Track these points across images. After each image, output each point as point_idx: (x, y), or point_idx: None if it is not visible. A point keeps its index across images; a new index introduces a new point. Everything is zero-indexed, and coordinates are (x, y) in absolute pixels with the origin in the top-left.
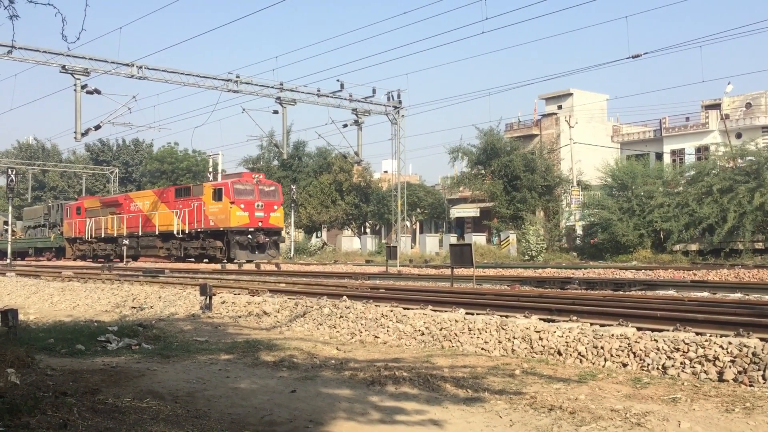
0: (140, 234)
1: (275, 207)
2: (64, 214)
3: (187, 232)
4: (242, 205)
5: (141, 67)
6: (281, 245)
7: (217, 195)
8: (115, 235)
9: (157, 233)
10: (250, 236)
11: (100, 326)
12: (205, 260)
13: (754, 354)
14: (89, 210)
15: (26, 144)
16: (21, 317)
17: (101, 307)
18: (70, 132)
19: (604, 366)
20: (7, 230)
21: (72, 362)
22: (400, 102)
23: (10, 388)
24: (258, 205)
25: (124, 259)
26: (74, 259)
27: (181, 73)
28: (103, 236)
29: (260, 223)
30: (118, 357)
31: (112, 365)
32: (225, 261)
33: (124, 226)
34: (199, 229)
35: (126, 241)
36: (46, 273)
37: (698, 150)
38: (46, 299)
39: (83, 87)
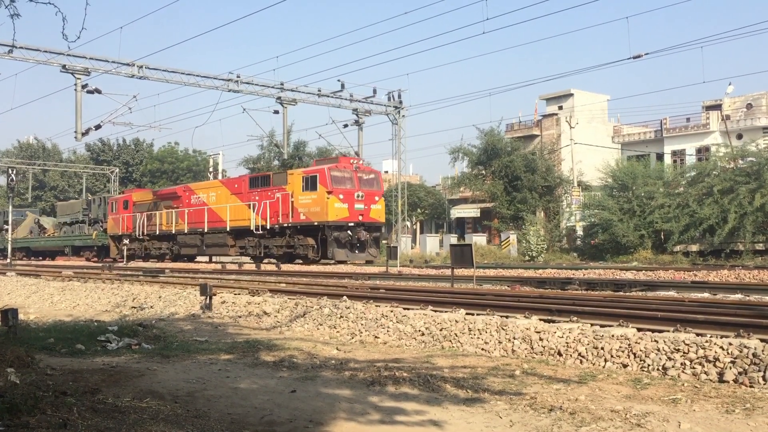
0: (206, 230)
1: (376, 198)
2: (108, 209)
3: (268, 227)
4: (341, 196)
5: (141, 67)
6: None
7: (310, 183)
8: (174, 232)
9: (228, 229)
10: (350, 232)
11: (100, 326)
12: (297, 261)
13: (754, 355)
14: (139, 204)
15: (27, 143)
16: (21, 317)
17: (101, 306)
18: (70, 131)
19: (604, 367)
20: (39, 228)
21: (72, 362)
22: (400, 102)
23: (9, 387)
24: (358, 196)
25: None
26: (120, 259)
27: (182, 73)
28: (157, 233)
29: (360, 217)
30: (118, 357)
31: (112, 365)
32: (318, 260)
33: (184, 221)
34: (285, 224)
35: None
36: (46, 272)
37: (699, 151)
38: (47, 299)
39: (84, 86)
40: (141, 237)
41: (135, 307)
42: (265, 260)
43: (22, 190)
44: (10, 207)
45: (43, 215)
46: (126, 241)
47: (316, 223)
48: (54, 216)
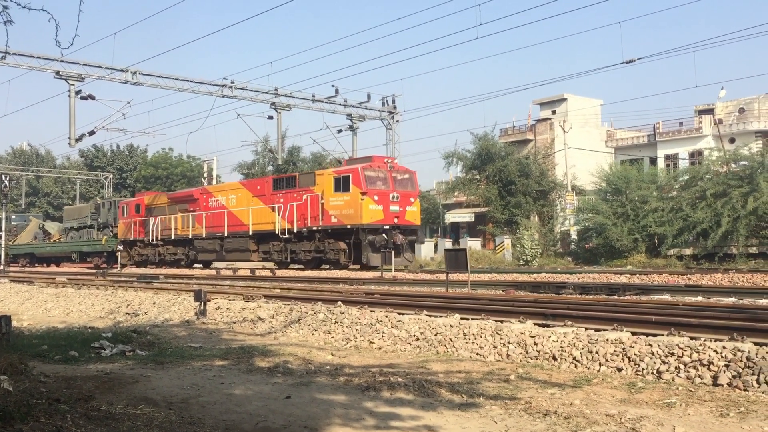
0: (225, 234)
1: (411, 199)
2: (118, 213)
3: (295, 231)
4: (375, 197)
5: (135, 73)
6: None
7: (342, 184)
8: (190, 237)
9: (250, 233)
10: (385, 235)
11: (94, 332)
12: (326, 266)
13: (748, 358)
14: (152, 207)
15: (20, 150)
16: (14, 324)
17: (95, 313)
18: (64, 138)
19: (599, 371)
20: (44, 233)
21: (65, 369)
22: (394, 107)
23: (3, 395)
24: (393, 197)
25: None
26: (132, 265)
27: (176, 79)
28: (172, 238)
29: (396, 219)
30: (112, 363)
31: (106, 372)
32: (349, 266)
33: (202, 225)
34: (314, 228)
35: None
36: (39, 279)
37: (692, 155)
38: (40, 305)
39: (77, 92)
40: (154, 242)
41: (129, 314)
42: (291, 266)
43: (16, 197)
44: (4, 213)
45: (48, 220)
46: (118, 248)
47: (349, 226)
48: (57, 221)
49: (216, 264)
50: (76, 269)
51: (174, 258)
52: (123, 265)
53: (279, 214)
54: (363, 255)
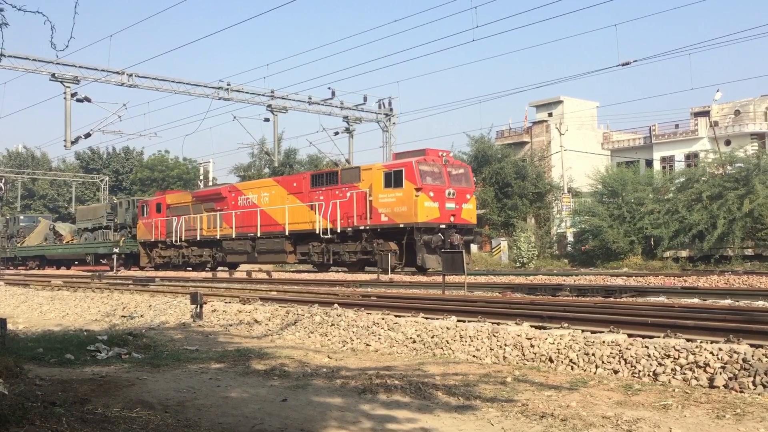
0: (258, 235)
1: (468, 196)
2: (138, 213)
3: (338, 231)
4: (431, 193)
5: (131, 75)
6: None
7: (394, 180)
8: (218, 237)
9: (286, 233)
10: (441, 235)
11: (90, 335)
12: (379, 270)
13: (744, 360)
14: (175, 207)
15: (16, 152)
16: (10, 326)
17: (91, 316)
18: (60, 140)
19: (595, 373)
20: (54, 234)
21: (61, 372)
22: (391, 109)
23: None
24: (449, 193)
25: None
26: (152, 268)
27: (172, 81)
28: (198, 239)
29: (452, 218)
30: (108, 366)
31: (102, 375)
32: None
33: (231, 225)
34: (360, 227)
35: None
36: (35, 282)
37: (688, 157)
38: (36, 308)
39: (73, 95)
40: (178, 243)
41: (125, 317)
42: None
43: (11, 199)
44: None
45: (59, 221)
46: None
47: (401, 225)
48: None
49: (243, 266)
50: (72, 272)
51: (199, 260)
52: (142, 268)
53: (320, 213)
54: (418, 257)
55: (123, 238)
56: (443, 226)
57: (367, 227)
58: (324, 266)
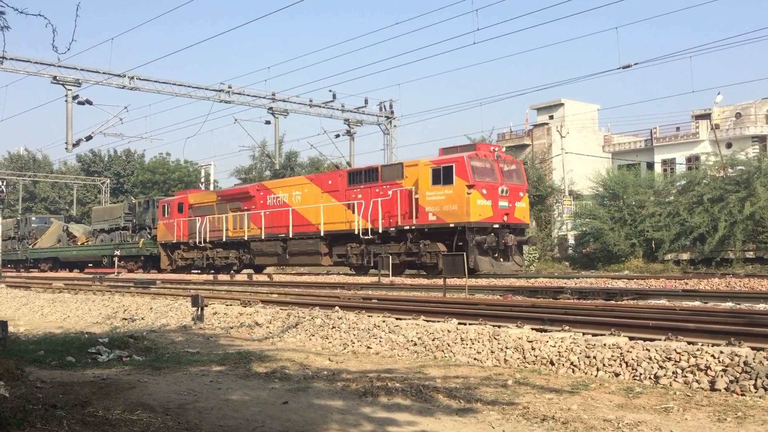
0: (290, 236)
1: (521, 194)
2: (158, 213)
3: (380, 231)
4: (484, 191)
5: (133, 78)
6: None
7: (443, 176)
8: (246, 238)
9: (321, 234)
10: (494, 235)
11: (91, 338)
12: (426, 274)
13: (745, 363)
14: (198, 207)
15: (17, 155)
16: (11, 329)
17: (92, 318)
18: (61, 143)
19: (596, 376)
20: (68, 236)
21: (62, 374)
22: (392, 112)
23: None
24: (502, 191)
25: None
26: (173, 270)
27: (173, 84)
28: (223, 240)
29: (505, 217)
30: (109, 369)
31: (103, 377)
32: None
33: (260, 225)
34: (405, 227)
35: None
36: (36, 284)
37: (689, 159)
38: (37, 311)
39: (75, 97)
40: (202, 244)
41: (126, 319)
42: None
43: (12, 202)
44: (0, 218)
45: (72, 222)
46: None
47: (451, 225)
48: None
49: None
50: (74, 274)
51: (225, 262)
52: (163, 270)
53: (358, 213)
54: (470, 259)
55: (143, 240)
56: (496, 225)
57: (413, 227)
58: (363, 269)
